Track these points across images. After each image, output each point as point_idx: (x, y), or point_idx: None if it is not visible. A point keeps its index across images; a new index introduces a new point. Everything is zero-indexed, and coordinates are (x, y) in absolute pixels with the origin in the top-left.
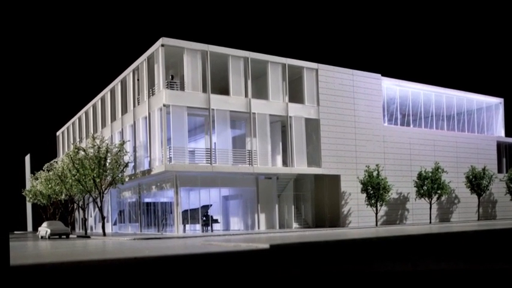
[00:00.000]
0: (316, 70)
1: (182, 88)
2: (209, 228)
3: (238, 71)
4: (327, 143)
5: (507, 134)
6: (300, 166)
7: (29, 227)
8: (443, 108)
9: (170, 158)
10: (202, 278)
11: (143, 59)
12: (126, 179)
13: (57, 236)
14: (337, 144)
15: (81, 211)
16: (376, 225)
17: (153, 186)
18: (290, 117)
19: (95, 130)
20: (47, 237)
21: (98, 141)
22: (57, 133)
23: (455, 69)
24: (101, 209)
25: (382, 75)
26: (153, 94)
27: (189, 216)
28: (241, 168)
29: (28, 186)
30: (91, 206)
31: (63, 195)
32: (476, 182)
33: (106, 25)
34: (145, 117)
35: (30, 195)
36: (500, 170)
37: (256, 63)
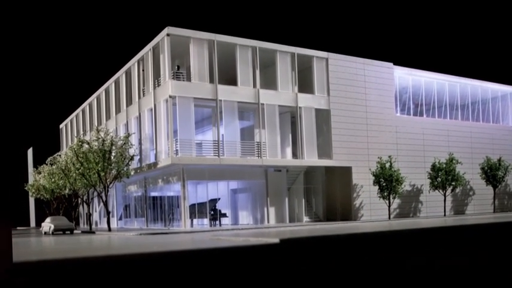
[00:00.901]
0: (326, 59)
1: (189, 79)
2: (217, 222)
3: (246, 61)
4: (338, 134)
5: None
6: (310, 158)
7: (32, 223)
8: (457, 97)
9: (177, 150)
10: (211, 274)
11: (148, 49)
12: (132, 173)
13: (61, 232)
14: (348, 136)
15: (85, 206)
16: (389, 218)
17: (160, 180)
18: (300, 107)
19: (99, 122)
20: (50, 233)
21: (102, 134)
22: (60, 126)
23: (469, 58)
24: (105, 204)
25: (394, 64)
26: (158, 85)
27: (197, 210)
28: (249, 161)
29: (31, 180)
30: (96, 200)
31: (67, 189)
32: (492, 173)
33: (110, 14)
34: (151, 109)
35: (33, 190)
36: None
37: (264, 53)
